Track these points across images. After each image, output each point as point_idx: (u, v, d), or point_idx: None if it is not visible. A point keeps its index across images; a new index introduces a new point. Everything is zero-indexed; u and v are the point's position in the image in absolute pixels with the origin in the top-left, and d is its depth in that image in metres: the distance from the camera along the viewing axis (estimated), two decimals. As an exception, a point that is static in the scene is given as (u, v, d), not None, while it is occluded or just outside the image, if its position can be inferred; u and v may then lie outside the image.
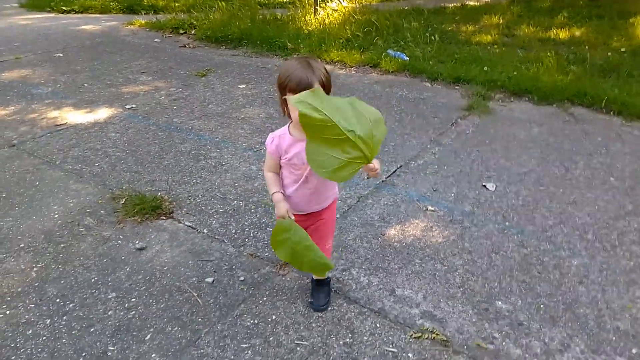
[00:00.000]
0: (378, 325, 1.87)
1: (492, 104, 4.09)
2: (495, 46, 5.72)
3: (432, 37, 5.83)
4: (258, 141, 3.38)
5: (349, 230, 2.44)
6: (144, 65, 5.12)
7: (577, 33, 6.34)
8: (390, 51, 5.34)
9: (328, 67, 5.09)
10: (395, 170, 3.02)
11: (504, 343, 1.79)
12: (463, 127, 3.67)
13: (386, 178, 2.94)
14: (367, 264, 2.20)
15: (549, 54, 5.04)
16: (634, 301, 2.00)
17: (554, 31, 6.35)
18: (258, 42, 5.84)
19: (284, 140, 1.65)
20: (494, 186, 2.85)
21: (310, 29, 6.27)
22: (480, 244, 2.35)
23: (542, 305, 1.97)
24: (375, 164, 1.44)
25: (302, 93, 1.28)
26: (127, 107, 3.98)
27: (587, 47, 5.46)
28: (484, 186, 2.85)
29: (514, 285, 2.08)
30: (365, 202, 2.68)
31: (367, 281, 2.10)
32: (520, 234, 2.42)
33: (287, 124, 1.67)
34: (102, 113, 3.85)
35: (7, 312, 1.93)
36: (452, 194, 2.77)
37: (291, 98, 1.32)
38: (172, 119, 3.76)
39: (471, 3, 8.63)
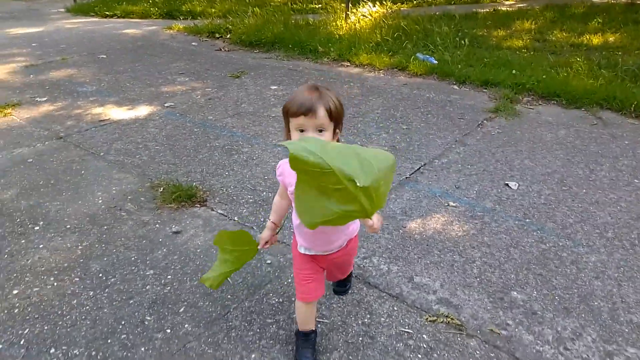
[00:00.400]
0: (395, 308, 1.97)
1: (520, 107, 4.12)
2: (525, 51, 5.72)
3: (462, 42, 5.88)
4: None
5: (372, 222, 2.54)
6: (181, 67, 5.37)
7: (611, 39, 6.26)
8: (419, 55, 5.42)
9: (356, 70, 5.23)
10: (419, 168, 3.11)
11: (516, 330, 1.86)
12: (489, 128, 3.72)
13: (410, 175, 3.03)
14: (388, 253, 2.30)
15: (579, 59, 5.01)
16: (651, 297, 2.03)
17: (587, 37, 6.29)
18: (290, 46, 6.02)
19: (289, 169, 1.42)
20: (517, 185, 2.90)
21: (341, 33, 6.43)
22: (500, 238, 2.41)
23: (556, 297, 2.03)
24: (375, 220, 1.24)
25: (299, 138, 1.11)
26: (166, 105, 4.21)
27: (620, 53, 5.40)
28: (507, 185, 2.90)
29: (530, 278, 2.14)
30: (389, 197, 2.78)
31: (386, 268, 2.20)
32: (540, 231, 2.47)
33: None
34: (143, 110, 4.09)
35: (55, 284, 2.12)
36: (474, 191, 2.84)
37: (285, 143, 1.06)
38: (207, 116, 3.96)
39: (503, 8, 8.61)
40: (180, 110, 4.08)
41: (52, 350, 1.78)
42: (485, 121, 3.84)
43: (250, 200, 2.75)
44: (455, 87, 4.66)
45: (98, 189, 2.86)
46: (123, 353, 1.77)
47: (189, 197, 2.73)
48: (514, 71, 4.76)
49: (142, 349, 1.78)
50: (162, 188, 2.84)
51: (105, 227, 2.51)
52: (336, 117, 1.38)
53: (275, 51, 6.04)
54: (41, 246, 2.36)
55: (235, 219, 2.58)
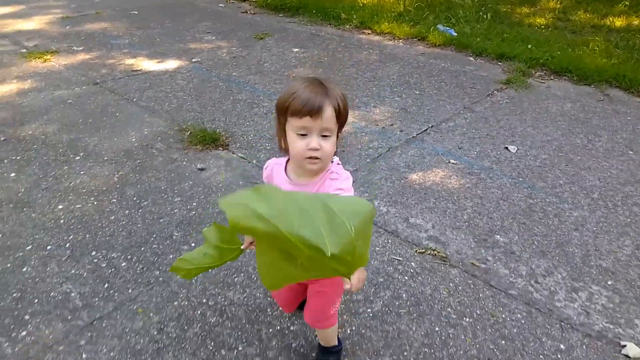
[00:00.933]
0: (389, 241, 2.23)
1: (531, 81, 4.26)
2: (545, 28, 5.78)
3: (484, 16, 5.95)
4: (305, 96, 3.76)
5: (376, 172, 2.79)
6: (209, 27, 5.59)
7: (635, 22, 6.25)
8: (439, 26, 5.54)
9: (377, 38, 5.38)
10: (426, 129, 3.32)
11: (495, 264, 2.11)
12: (498, 98, 3.89)
13: (416, 135, 3.25)
14: (388, 198, 2.55)
15: (597, 38, 5.08)
16: (622, 248, 2.25)
17: (610, 19, 6.29)
18: (314, 12, 6.17)
19: (278, 175, 1.29)
20: (516, 149, 3.10)
21: (365, 1, 6.54)
22: (492, 192, 2.64)
23: (535, 242, 2.26)
24: (354, 281, 0.97)
25: (239, 192, 0.80)
26: (193, 60, 4.46)
27: (640, 35, 5.43)
28: (506, 148, 3.11)
29: (515, 225, 2.38)
30: (394, 152, 3.02)
31: (385, 210, 2.46)
32: (531, 188, 2.69)
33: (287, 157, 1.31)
34: (172, 64, 4.35)
35: (95, 203, 2.44)
36: (475, 152, 3.05)
37: (221, 202, 0.79)
38: (231, 73, 4.20)
39: (531, -14, 8.55)
40: (207, 66, 4.33)
41: (94, 253, 2.10)
42: (495, 91, 4.01)
43: (268, 147, 3.01)
44: (471, 59, 4.80)
45: (131, 129, 3.16)
46: (154, 258, 2.08)
47: (213, 141, 3.00)
48: (529, 46, 4.86)
49: (170, 256, 2.09)
50: (189, 132, 3.12)
51: (138, 161, 2.80)
52: (343, 118, 1.19)
53: (299, 16, 6.20)
54: (82, 172, 2.68)
55: (254, 161, 2.85)
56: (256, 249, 0.87)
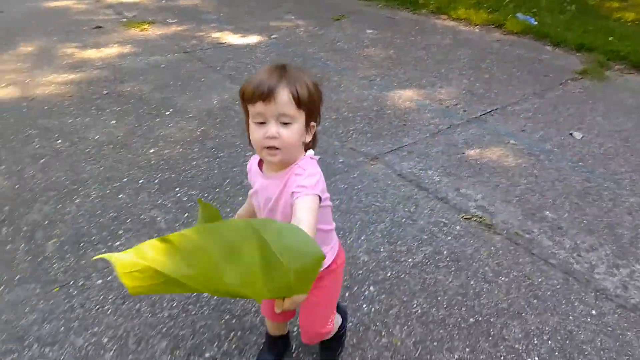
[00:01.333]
0: (438, 206, 2.38)
1: (609, 73, 4.12)
2: (631, 23, 5.48)
3: (569, 8, 5.75)
4: (373, 73, 3.93)
5: (433, 146, 2.92)
6: (290, 7, 5.88)
7: None
8: (519, 15, 5.43)
9: (452, 23, 5.39)
10: (491, 111, 3.38)
11: (539, 236, 2.20)
12: (571, 87, 3.83)
13: (480, 115, 3.32)
14: (442, 169, 2.68)
15: (692, 33, 4.76)
16: (677, 235, 2.24)
17: None
18: (392, -4, 6.27)
19: (253, 169, 1.24)
20: (581, 136, 3.08)
21: (444, -12, 6.52)
22: (549, 173, 2.68)
23: (585, 221, 2.31)
24: (287, 304, 0.75)
25: (136, 248, 0.63)
26: (272, 36, 4.77)
27: None
28: (571, 134, 3.10)
29: (566, 204, 2.42)
30: (455, 130, 3.12)
31: (438, 179, 2.59)
32: (590, 173, 2.69)
33: None
34: (253, 39, 4.69)
35: (180, 150, 2.79)
36: (538, 136, 3.07)
37: (106, 256, 0.64)
38: (306, 49, 4.45)
39: (629, -22, 8.02)
40: (284, 42, 4.62)
41: (177, 189, 2.44)
42: (569, 81, 3.93)
43: (333, 117, 3.23)
44: (549, 48, 4.70)
45: (214, 93, 3.51)
46: (226, 198, 2.38)
47: (284, 107, 3.27)
48: (611, 38, 4.66)
49: (239, 198, 2.38)
50: (263, 98, 3.41)
51: (218, 120, 3.14)
52: (307, 105, 1.08)
53: (378, 0, 6.33)
54: (170, 125, 3.05)
55: (319, 128, 3.07)
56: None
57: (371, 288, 1.90)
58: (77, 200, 2.34)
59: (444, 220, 2.28)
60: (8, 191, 2.40)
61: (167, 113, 3.20)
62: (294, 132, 1.08)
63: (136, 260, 0.62)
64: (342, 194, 2.45)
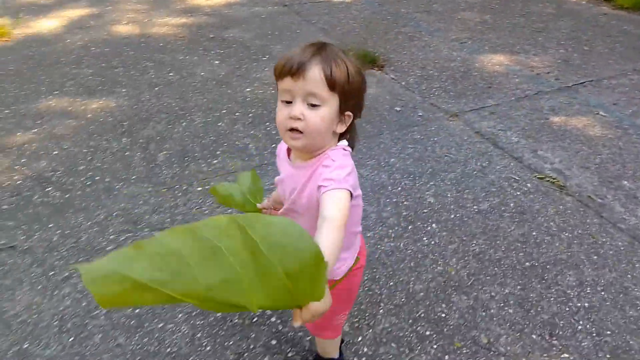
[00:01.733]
0: (512, 164, 2.43)
1: None
2: None
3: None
4: (465, 36, 3.91)
5: (517, 109, 2.92)
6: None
7: None
8: (636, -13, 5.02)
9: (559, -8, 5.11)
10: (584, 82, 3.27)
11: (612, 202, 2.19)
12: (681, 66, 3.56)
13: (572, 85, 3.23)
14: (522, 132, 2.70)
15: None
16: None
17: None
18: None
19: (281, 153, 1.13)
20: (681, 115, 2.92)
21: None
22: (635, 146, 2.61)
23: (666, 195, 2.26)
24: (306, 315, 0.67)
25: (110, 256, 0.56)
26: (368, -5, 4.86)
27: None
28: (670, 112, 2.94)
29: (649, 177, 2.37)
30: (542, 96, 3.08)
31: (516, 140, 2.63)
32: (683, 151, 2.58)
33: None
34: (348, -4, 4.81)
35: (272, 91, 3.05)
36: (631, 111, 2.96)
37: (83, 273, 0.55)
38: (400, 9, 4.50)
39: None
40: (380, 1, 4.69)
41: (267, 124, 2.71)
42: (680, 60, 3.66)
43: (418, 74, 3.32)
44: (665, 24, 4.34)
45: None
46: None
47: (371, 61, 3.41)
48: None
49: (322, 136, 2.59)
50: (352, 52, 3.56)
51: (308, 67, 3.35)
52: (343, 90, 0.96)
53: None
54: (266, 69, 3.32)
55: (403, 83, 3.19)
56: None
57: (434, 225, 2.05)
58: (184, 123, 2.69)
59: (515, 177, 2.34)
60: (128, 110, 2.81)
61: (264, 59, 3.46)
62: (321, 116, 0.95)
63: (103, 265, 0.55)
64: (417, 143, 2.58)
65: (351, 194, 0.93)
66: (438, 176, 2.34)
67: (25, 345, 1.53)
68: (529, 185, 2.29)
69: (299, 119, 0.94)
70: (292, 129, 0.96)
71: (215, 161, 2.40)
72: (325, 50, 0.96)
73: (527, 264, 1.87)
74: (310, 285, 0.61)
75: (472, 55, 3.59)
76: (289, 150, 1.09)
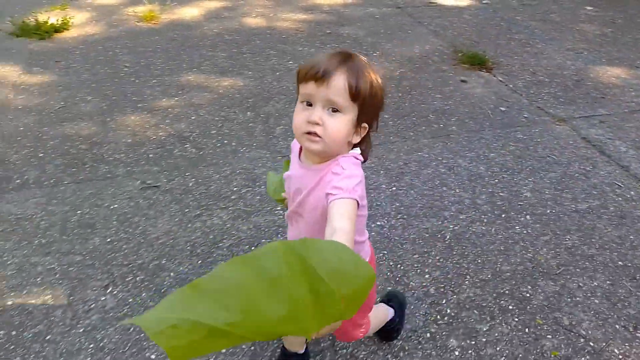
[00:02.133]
0: (617, 171, 2.41)
1: None
2: None
3: None
4: (582, 47, 3.82)
5: (630, 122, 2.84)
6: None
7: None
8: None
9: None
10: None
11: None
12: None
13: (697, 103, 3.06)
14: (632, 143, 2.64)
15: None
16: None
17: None
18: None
19: (293, 153, 1.14)
20: None
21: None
22: None
23: None
24: (324, 330, 0.70)
25: (166, 300, 0.53)
26: (483, 1, 4.89)
27: None
28: None
29: None
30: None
31: (625, 150, 2.57)
32: None
33: None
34: (463, 2, 4.87)
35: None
36: None
37: (143, 324, 0.51)
38: (515, 17, 4.49)
39: None
40: (494, 8, 4.71)
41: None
42: None
43: (528, 79, 3.33)
44: None
45: (417, 44, 3.88)
46: (411, 126, 2.78)
47: (480, 63, 3.48)
48: None
49: (422, 128, 2.75)
50: (461, 54, 3.66)
51: (416, 65, 3.52)
52: (363, 101, 0.97)
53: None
54: (375, 63, 3.53)
55: (510, 86, 3.24)
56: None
57: (527, 217, 2.12)
58: (299, 104, 2.99)
59: (619, 183, 2.32)
60: (253, 89, 3.18)
61: (374, 54, 3.69)
62: (339, 124, 0.97)
63: (165, 315, 0.51)
64: (519, 142, 2.64)
65: (358, 203, 0.94)
66: (537, 174, 2.39)
67: (163, 261, 1.89)
68: (632, 192, 2.26)
69: (318, 123, 0.96)
70: (309, 132, 0.98)
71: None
72: (352, 61, 0.97)
73: (620, 263, 1.88)
74: (353, 306, 0.60)
75: (587, 66, 3.51)
76: (300, 149, 1.10)
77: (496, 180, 2.35)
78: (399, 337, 1.59)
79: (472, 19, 4.41)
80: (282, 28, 4.18)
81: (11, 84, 3.15)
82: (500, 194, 2.26)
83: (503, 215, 2.13)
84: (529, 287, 1.79)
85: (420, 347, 1.58)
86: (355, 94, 0.95)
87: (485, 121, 2.83)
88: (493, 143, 2.63)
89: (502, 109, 2.96)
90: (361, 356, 1.55)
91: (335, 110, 0.96)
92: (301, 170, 1.07)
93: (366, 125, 1.03)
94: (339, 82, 0.94)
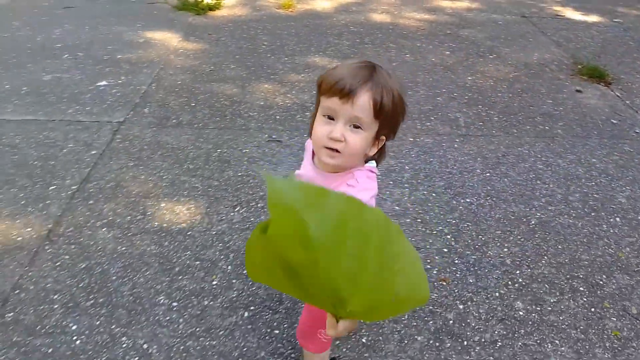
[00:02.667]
0: None
1: None
2: None
3: None
4: None
5: None
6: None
7: None
8: None
9: None
10: None
11: None
12: None
13: None
14: None
15: None
16: None
17: None
18: None
19: (307, 157, 1.15)
20: None
21: None
22: None
23: None
24: (341, 327, 0.71)
25: (287, 181, 0.53)
26: (615, 20, 4.74)
27: None
28: None
29: None
30: None
31: None
32: None
33: None
34: (592, 18, 4.76)
35: (491, 83, 3.40)
36: None
37: (269, 187, 0.52)
38: None
39: None
40: (627, 27, 4.55)
41: (479, 106, 3.09)
42: None
43: (649, 98, 3.27)
44: None
45: (536, 52, 3.93)
46: (515, 124, 2.92)
47: (599, 76, 3.47)
48: None
49: (527, 127, 2.87)
50: (581, 66, 3.66)
51: (532, 71, 3.60)
52: (386, 117, 0.98)
53: None
54: (490, 65, 3.68)
55: (627, 102, 3.20)
56: (252, 236, 0.57)
57: (617, 219, 2.19)
58: (410, 93, 3.25)
59: None
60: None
61: (491, 57, 3.82)
62: (361, 140, 0.98)
63: (291, 198, 0.51)
64: (625, 154, 2.66)
65: None
66: (637, 184, 2.42)
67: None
68: None
69: (339, 140, 0.96)
70: (330, 148, 0.98)
71: (428, 123, 2.90)
72: (376, 75, 0.96)
73: None
74: (397, 309, 0.63)
75: None
76: (314, 151, 1.09)
77: (593, 183, 2.42)
78: (468, 290, 1.82)
79: (599, 35, 4.33)
80: (404, 25, 4.45)
81: (172, 47, 3.80)
82: (595, 195, 2.34)
83: (593, 214, 2.22)
84: (604, 276, 1.89)
85: (487, 302, 1.78)
86: (378, 112, 0.96)
87: (594, 130, 2.87)
88: (597, 150, 2.68)
89: (614, 121, 2.97)
90: (430, 304, 1.79)
91: (357, 127, 0.97)
92: (313, 173, 1.09)
93: (384, 138, 1.05)
94: (364, 100, 0.94)
